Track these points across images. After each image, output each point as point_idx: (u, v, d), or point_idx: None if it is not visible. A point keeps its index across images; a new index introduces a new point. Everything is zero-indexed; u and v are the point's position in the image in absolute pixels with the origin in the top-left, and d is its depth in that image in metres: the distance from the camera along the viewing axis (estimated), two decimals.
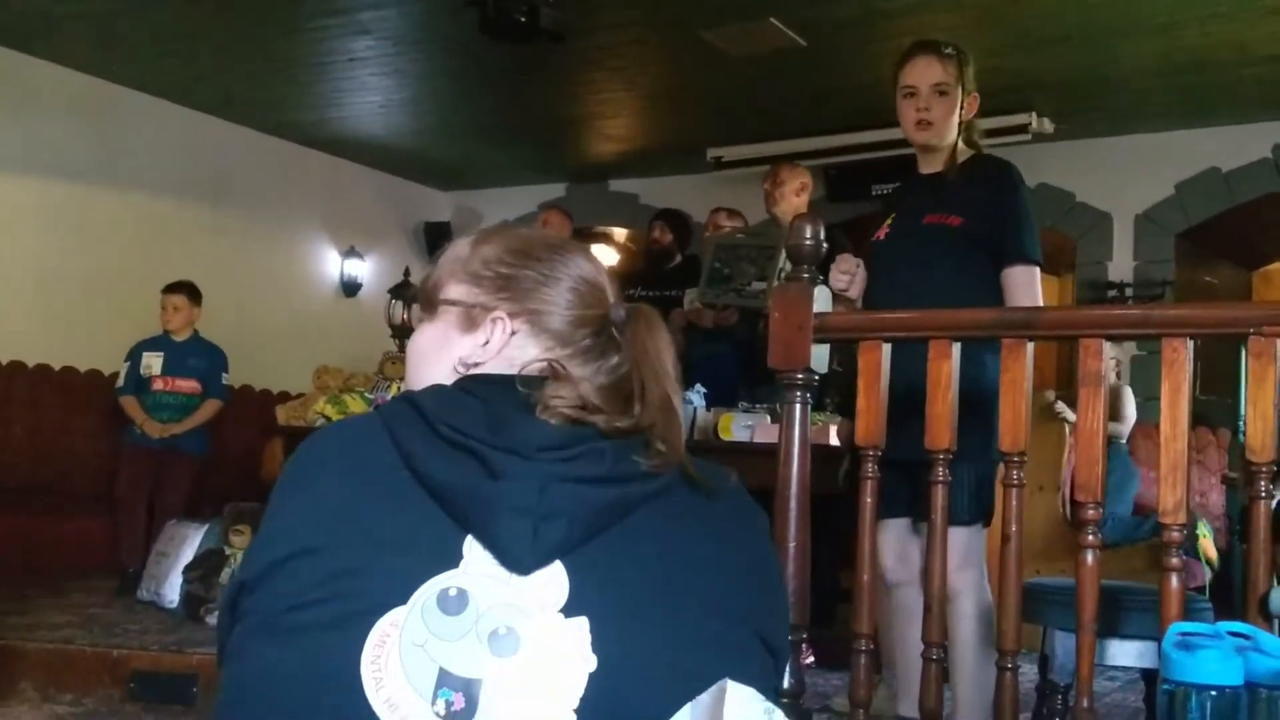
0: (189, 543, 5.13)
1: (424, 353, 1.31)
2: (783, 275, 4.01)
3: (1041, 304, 2.89)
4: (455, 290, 1.28)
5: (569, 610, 1.05)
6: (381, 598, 1.04)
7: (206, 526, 5.16)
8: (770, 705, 0.89)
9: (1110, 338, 2.04)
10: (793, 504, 2.28)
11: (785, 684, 2.22)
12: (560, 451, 1.08)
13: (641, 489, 1.11)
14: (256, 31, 5.94)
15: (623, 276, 7.74)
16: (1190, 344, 1.97)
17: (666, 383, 1.19)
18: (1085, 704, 2.01)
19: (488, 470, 1.07)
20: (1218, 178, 6.83)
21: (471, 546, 1.06)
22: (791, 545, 2.26)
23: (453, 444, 1.09)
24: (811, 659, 4.62)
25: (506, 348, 1.24)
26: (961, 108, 3.06)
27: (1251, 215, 6.86)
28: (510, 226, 1.35)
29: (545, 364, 1.20)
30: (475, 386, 1.16)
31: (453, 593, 1.05)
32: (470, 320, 1.26)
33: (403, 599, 1.04)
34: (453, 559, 1.06)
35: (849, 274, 3.10)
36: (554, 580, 1.06)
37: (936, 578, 2.18)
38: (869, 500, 2.25)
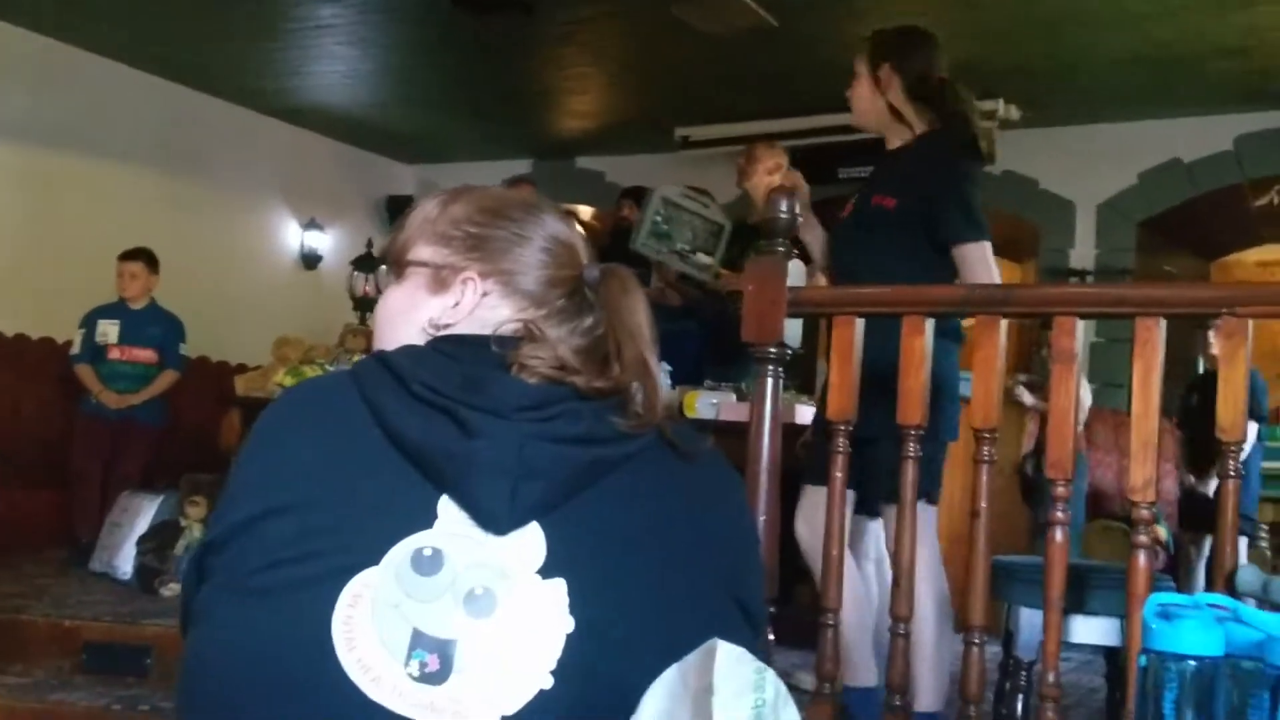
0: (143, 514, 5.06)
1: (392, 315, 1.28)
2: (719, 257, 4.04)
3: (993, 280, 2.79)
4: (424, 251, 1.26)
5: (546, 572, 1.03)
6: (354, 557, 1.02)
7: (161, 498, 5.10)
8: (761, 664, 0.88)
9: (1084, 315, 2.04)
10: (763, 478, 2.27)
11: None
12: (538, 411, 1.06)
13: (620, 450, 1.09)
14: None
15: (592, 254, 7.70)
16: (1163, 324, 1.98)
17: (642, 344, 1.17)
18: (1051, 679, 2.02)
19: (463, 429, 1.04)
20: (1180, 168, 6.89)
21: (446, 506, 1.04)
22: (762, 519, 2.26)
23: (427, 402, 1.06)
24: (771, 636, 4.62)
25: (478, 309, 1.22)
26: (879, 87, 3.06)
27: (1212, 206, 6.93)
28: (479, 186, 1.31)
29: (520, 324, 1.17)
30: (449, 346, 1.14)
31: (428, 553, 1.03)
32: (440, 281, 1.24)
33: (375, 559, 1.02)
34: (427, 519, 1.04)
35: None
36: (531, 541, 1.04)
37: (906, 553, 2.18)
38: (839, 475, 2.24)
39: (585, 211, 8.91)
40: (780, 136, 7.10)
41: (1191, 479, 5.24)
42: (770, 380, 2.29)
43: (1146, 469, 1.96)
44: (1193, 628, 1.13)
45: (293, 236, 8.31)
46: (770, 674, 0.87)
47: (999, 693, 2.65)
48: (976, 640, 2.09)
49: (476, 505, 1.03)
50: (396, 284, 1.29)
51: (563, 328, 1.19)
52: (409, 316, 1.24)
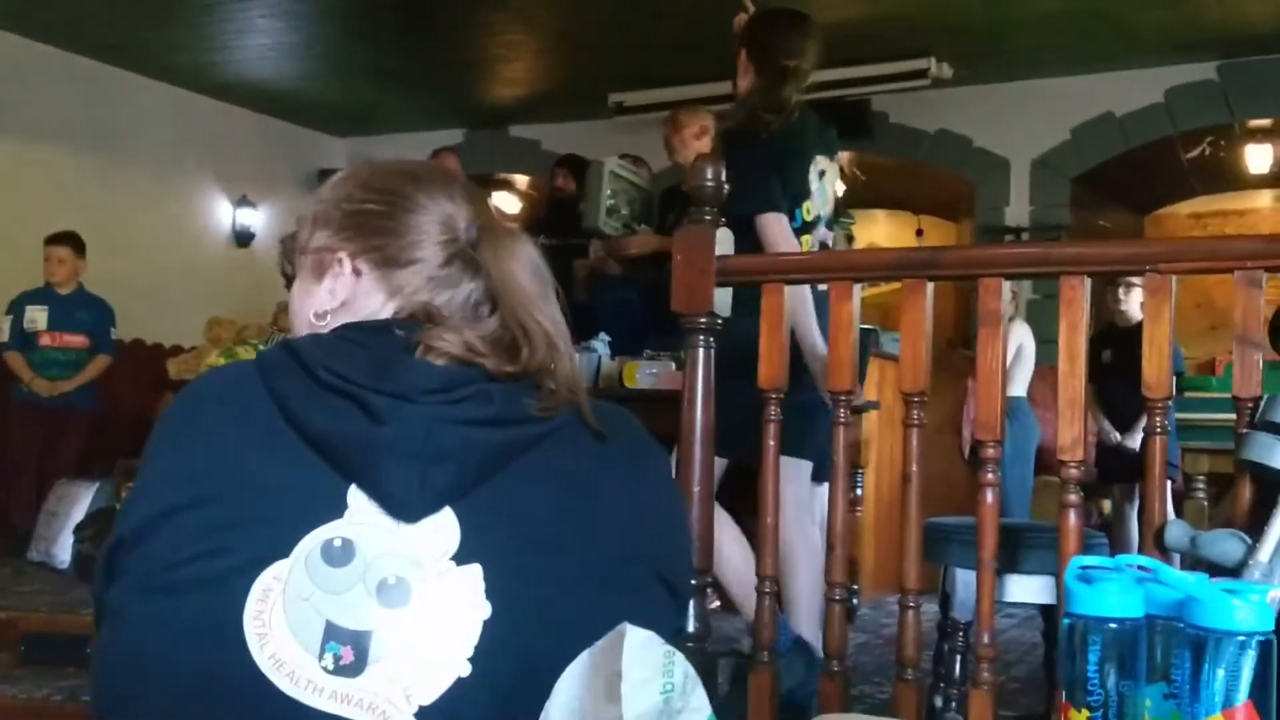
0: (80, 502, 4.99)
1: (294, 310, 1.26)
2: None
3: (784, 248, 2.86)
4: (314, 237, 1.22)
5: (461, 557, 1.02)
6: (263, 551, 1.00)
7: (97, 485, 5.02)
8: (670, 648, 0.86)
9: (1010, 276, 2.04)
10: (697, 449, 2.26)
11: (690, 628, 2.21)
12: (446, 394, 1.04)
13: (533, 430, 1.07)
14: None
15: (526, 225, 7.65)
16: (1087, 282, 1.98)
17: (533, 308, 1.12)
18: (986, 639, 2.03)
19: (370, 416, 1.02)
20: (1112, 123, 6.95)
21: (356, 495, 1.02)
22: (696, 490, 2.24)
23: (334, 389, 1.04)
24: (716, 603, 4.65)
25: (355, 295, 1.18)
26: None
27: (1144, 160, 7.01)
28: (375, 161, 1.27)
29: (420, 306, 1.14)
30: (354, 333, 1.11)
31: (338, 544, 1.01)
32: (320, 266, 1.21)
33: (285, 552, 1.00)
34: (337, 509, 1.02)
35: None
36: (444, 527, 1.03)
37: (839, 518, 2.18)
38: (771, 443, 2.23)
39: (522, 181, 8.84)
40: (716, 101, 7.09)
41: (1117, 436, 5.31)
42: (702, 350, 2.27)
43: (1074, 428, 1.97)
44: (1113, 590, 1.13)
45: (224, 214, 8.17)
46: (678, 657, 0.86)
47: (937, 654, 2.67)
48: (911, 604, 2.10)
49: (385, 493, 1.01)
50: (297, 276, 1.26)
51: (442, 295, 1.16)
52: (303, 309, 1.22)
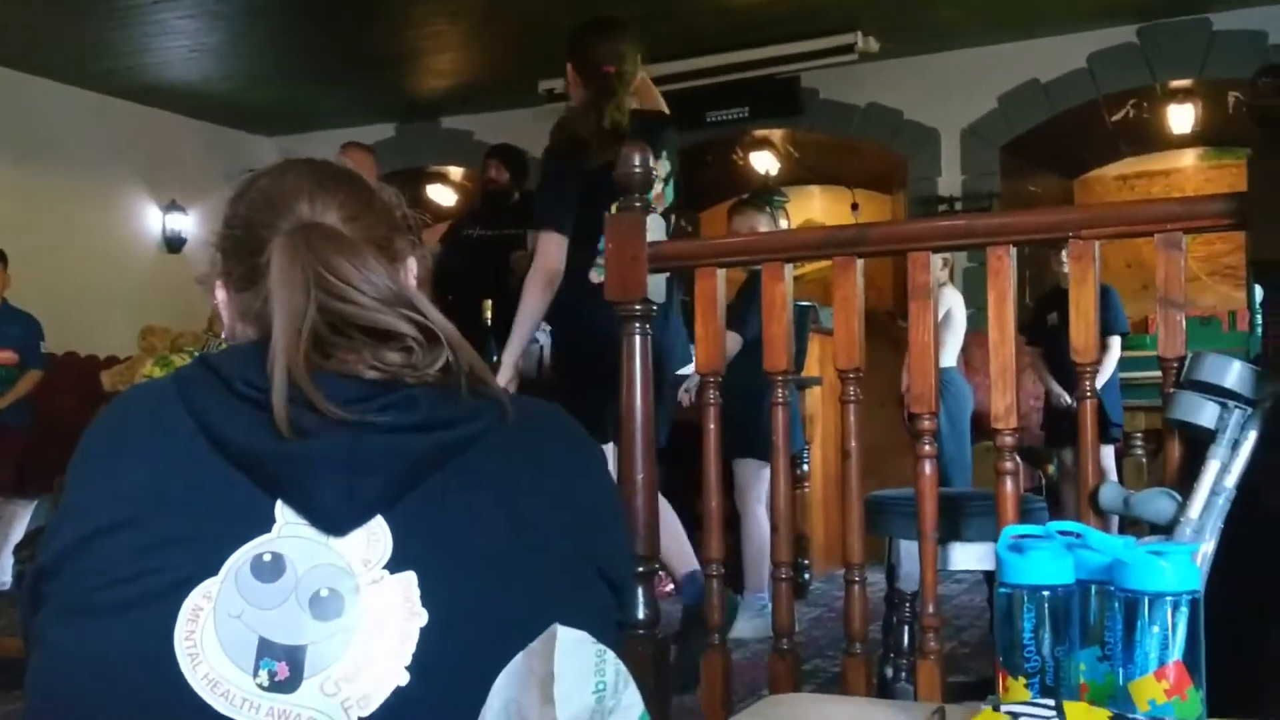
0: (19, 520, 4.91)
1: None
2: None
3: (544, 264, 3.13)
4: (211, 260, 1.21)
5: (394, 565, 1.00)
6: (190, 570, 0.99)
7: (36, 503, 4.94)
8: (601, 647, 0.86)
9: (937, 249, 2.06)
10: (638, 436, 2.26)
11: (640, 614, 2.22)
12: (369, 403, 1.02)
13: (461, 433, 1.06)
14: None
15: (461, 217, 7.59)
16: (1013, 251, 2.01)
17: (383, 311, 1.05)
18: (930, 610, 2.06)
19: (293, 428, 1.00)
20: (1038, 89, 7.03)
21: (284, 509, 1.01)
22: (639, 477, 2.25)
23: (253, 402, 1.02)
24: (671, 586, 4.67)
25: (236, 319, 1.17)
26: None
27: (1071, 124, 7.10)
28: (255, 172, 1.23)
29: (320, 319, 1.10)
30: (261, 346, 1.09)
31: (267, 559, 0.99)
32: (214, 290, 1.20)
33: (214, 569, 0.99)
34: (265, 523, 1.00)
35: None
36: (376, 536, 1.01)
37: (781, 499, 2.20)
38: (711, 427, 2.24)
39: (456, 173, 8.78)
40: None
41: (1067, 399, 5.37)
42: (638, 338, 2.27)
43: (1007, 396, 2.00)
44: (1042, 558, 1.15)
45: (154, 220, 8.04)
46: (610, 655, 0.86)
47: (886, 625, 2.70)
48: (856, 578, 2.12)
49: (312, 507, 1.00)
50: None
51: (243, 298, 1.14)
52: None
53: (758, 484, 4.01)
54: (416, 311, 1.07)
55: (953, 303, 5.36)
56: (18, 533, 4.82)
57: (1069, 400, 5.38)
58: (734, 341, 4.01)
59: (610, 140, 3.09)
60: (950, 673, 2.71)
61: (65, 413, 5.91)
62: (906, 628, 2.57)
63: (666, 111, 3.72)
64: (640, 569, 2.21)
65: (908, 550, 2.46)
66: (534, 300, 3.12)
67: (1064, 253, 5.33)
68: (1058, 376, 5.42)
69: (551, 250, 3.11)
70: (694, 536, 4.64)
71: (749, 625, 3.80)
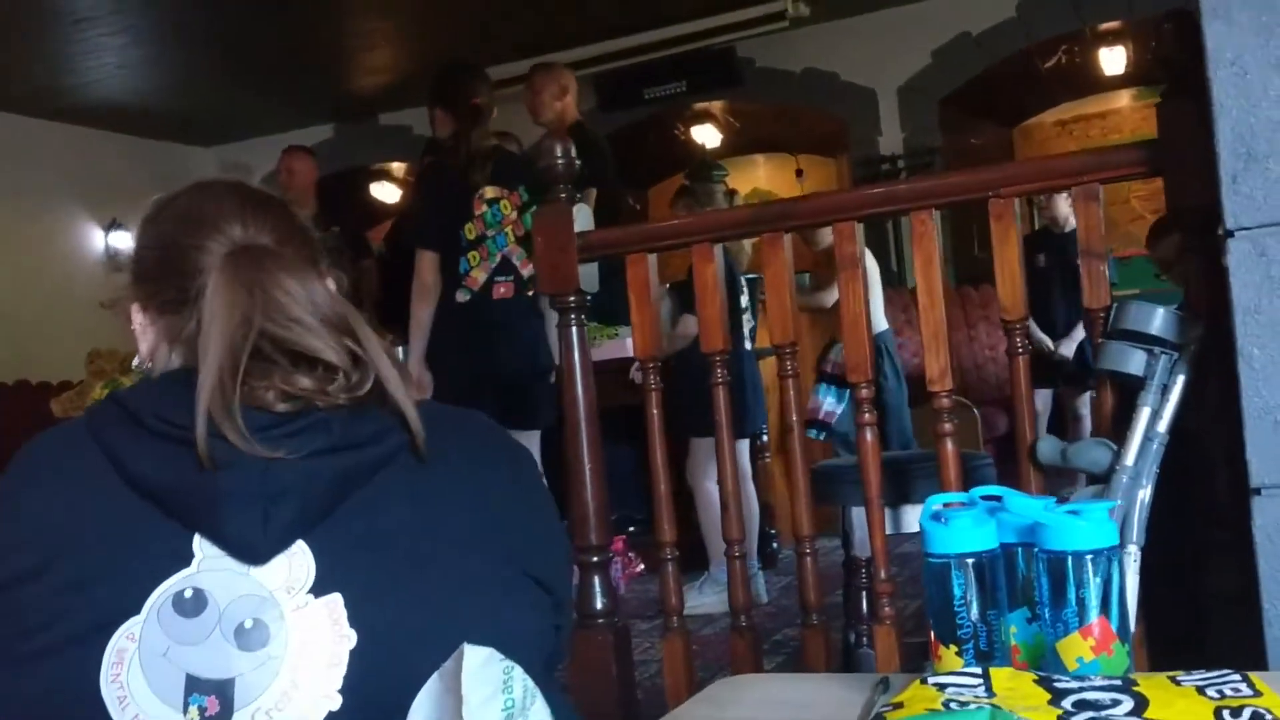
0: None
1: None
2: None
3: (421, 281, 3.53)
4: (124, 286, 1.20)
5: (319, 589, 1.00)
6: (112, 611, 0.99)
7: None
8: (510, 664, 0.87)
9: (861, 219, 2.07)
10: (582, 426, 2.27)
11: (598, 604, 2.23)
12: (281, 429, 1.02)
13: (376, 451, 1.05)
14: None
15: (404, 214, 7.54)
16: (936, 214, 2.02)
17: (320, 334, 1.04)
18: (883, 575, 2.08)
19: (204, 461, 1.00)
20: (969, 41, 7.04)
21: (202, 543, 1.00)
22: (587, 468, 2.26)
23: (165, 436, 1.01)
24: (641, 566, 4.70)
25: (154, 345, 1.16)
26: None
27: (1005, 74, 7.13)
28: (171, 193, 1.21)
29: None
30: (181, 375, 1.08)
31: (188, 594, 0.99)
32: (127, 316, 1.18)
33: (135, 609, 0.98)
34: (184, 558, 1.00)
35: None
36: (298, 561, 1.01)
37: (729, 479, 2.21)
38: (654, 412, 2.25)
39: (398, 169, 8.72)
40: (582, 65, 7.04)
41: (1050, 344, 5.37)
42: (575, 328, 2.27)
43: (941, 359, 2.01)
44: (964, 526, 1.16)
45: (96, 240, 7.94)
46: (517, 671, 0.86)
47: (845, 592, 2.72)
48: (807, 550, 2.14)
49: (227, 539, 1.00)
50: None
51: (169, 321, 1.12)
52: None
53: (709, 462, 4.04)
54: (352, 335, 1.07)
55: (866, 265, 5.34)
56: None
57: (1050, 346, 5.38)
58: (693, 323, 4.03)
59: (479, 162, 3.61)
60: (916, 633, 2.74)
61: (17, 442, 5.85)
62: (864, 593, 2.59)
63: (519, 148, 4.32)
64: (593, 559, 2.22)
65: (859, 517, 2.47)
66: (420, 314, 3.51)
67: (1042, 196, 5.30)
68: (1044, 323, 5.38)
69: (426, 266, 3.54)
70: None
71: (716, 599, 3.82)
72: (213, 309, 1.04)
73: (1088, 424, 5.24)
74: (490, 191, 3.64)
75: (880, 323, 4.70)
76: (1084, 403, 5.50)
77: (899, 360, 4.89)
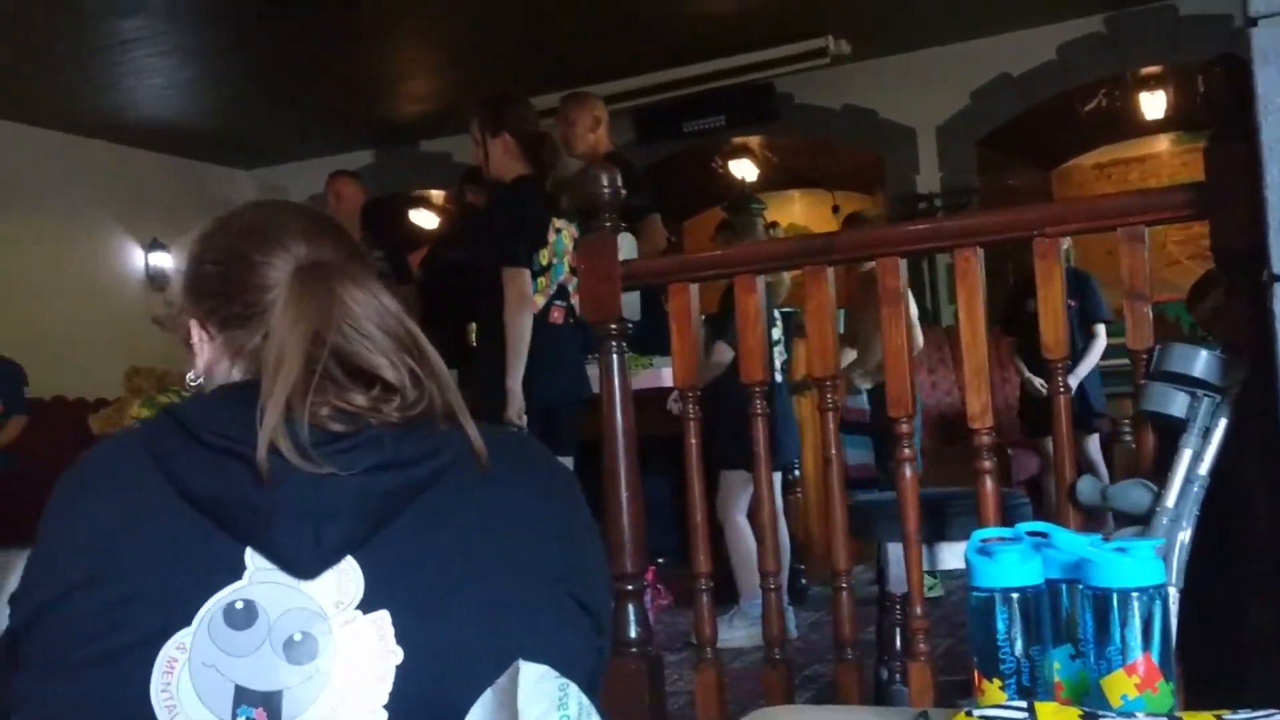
0: (12, 570, 4.82)
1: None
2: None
3: (520, 295, 3.49)
4: (178, 302, 1.21)
5: (367, 605, 1.01)
6: (163, 622, 1.00)
7: (29, 550, 4.91)
8: (565, 681, 0.87)
9: (905, 254, 2.07)
10: (620, 453, 2.27)
11: (632, 633, 2.23)
12: (334, 445, 1.03)
13: (428, 469, 1.06)
14: (12, 19, 5.56)
15: (440, 239, 7.59)
16: (980, 252, 2.02)
17: (385, 348, 1.06)
18: (919, 612, 2.07)
19: (258, 475, 1.01)
20: (1009, 83, 7.06)
21: (253, 556, 1.02)
22: (624, 496, 2.26)
23: (220, 450, 1.03)
24: (669, 599, 4.68)
25: (212, 360, 1.17)
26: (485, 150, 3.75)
27: (1044, 116, 7.13)
28: (230, 211, 1.23)
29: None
30: (237, 391, 1.09)
31: (239, 606, 1.00)
32: (185, 331, 1.20)
33: (186, 620, 0.99)
34: (235, 571, 1.01)
35: None
36: (347, 577, 1.02)
37: (766, 510, 2.21)
38: (693, 442, 2.25)
39: (437, 196, 8.79)
40: (621, 98, 7.10)
41: (1040, 388, 5.35)
42: (615, 356, 2.28)
43: (982, 396, 2.01)
44: (1010, 561, 1.16)
45: (136, 259, 8.04)
46: (573, 689, 0.87)
47: (879, 628, 2.71)
48: (843, 585, 2.13)
49: (280, 553, 1.01)
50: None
51: (232, 335, 1.14)
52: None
53: (740, 494, 4.04)
54: (416, 352, 1.08)
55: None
56: (11, 583, 4.78)
57: (1045, 390, 5.34)
58: (726, 352, 4.04)
59: (564, 191, 3.61)
60: (948, 671, 2.73)
61: (55, 457, 5.89)
62: (898, 630, 2.57)
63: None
64: (629, 586, 2.22)
65: (895, 553, 2.46)
66: (523, 329, 3.49)
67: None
68: (1035, 366, 5.36)
69: (523, 281, 3.52)
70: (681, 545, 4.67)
71: (746, 633, 3.81)
72: (283, 324, 1.06)
73: (1103, 470, 5.15)
74: (557, 222, 3.73)
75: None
76: (1094, 446, 5.42)
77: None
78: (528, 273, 3.53)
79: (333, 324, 1.05)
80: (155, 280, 8.08)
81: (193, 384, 1.19)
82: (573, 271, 3.68)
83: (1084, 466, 5.35)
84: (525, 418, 3.39)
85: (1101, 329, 5.25)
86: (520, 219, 3.63)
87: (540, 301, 3.65)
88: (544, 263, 3.67)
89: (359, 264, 1.16)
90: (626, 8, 6.08)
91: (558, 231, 3.75)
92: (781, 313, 4.56)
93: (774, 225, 5.06)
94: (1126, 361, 5.20)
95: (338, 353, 1.05)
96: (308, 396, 1.02)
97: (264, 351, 1.06)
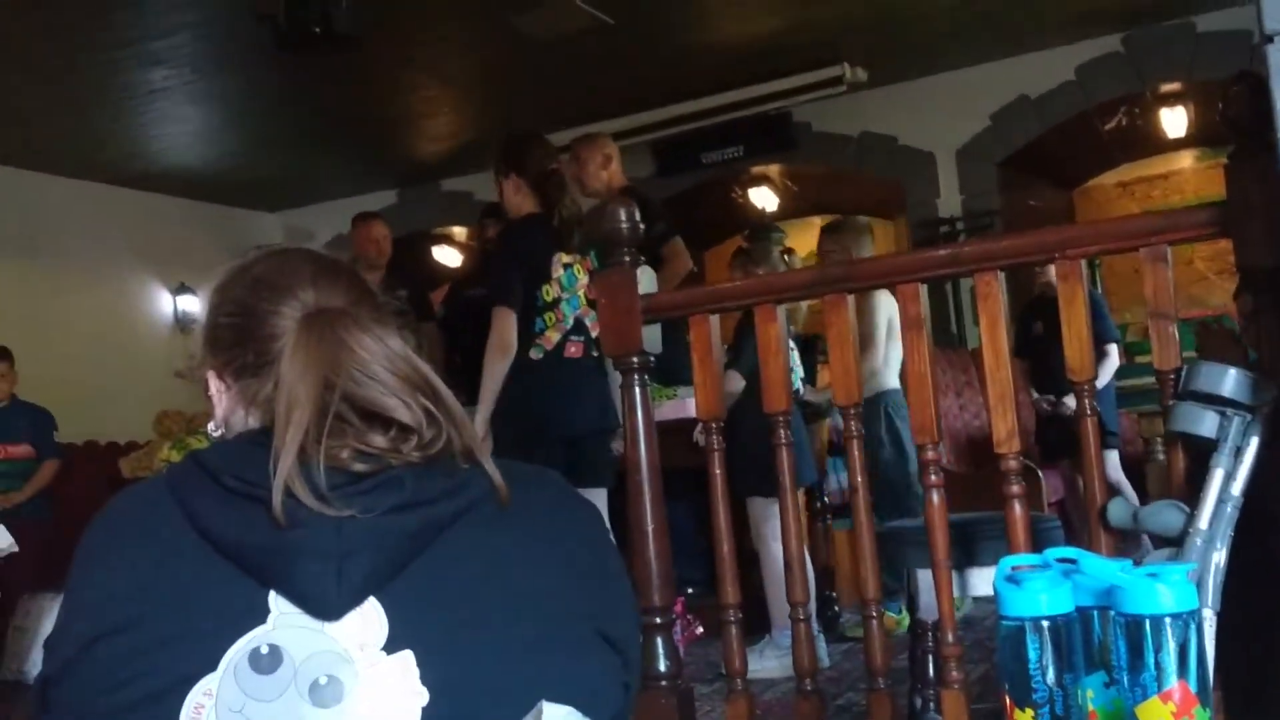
0: (48, 615, 4.91)
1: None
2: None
3: (500, 339, 3.60)
4: (199, 353, 1.22)
5: (391, 646, 1.01)
6: (190, 667, 1.00)
7: (63, 595, 4.93)
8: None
9: (925, 280, 2.07)
10: (645, 486, 2.27)
11: (661, 666, 2.22)
12: (354, 486, 1.03)
13: (449, 508, 1.06)
14: (42, 73, 5.66)
15: (461, 277, 7.62)
16: (1001, 275, 2.01)
17: (397, 389, 1.06)
18: (950, 638, 2.05)
19: (279, 519, 1.01)
20: (1028, 104, 7.05)
21: (277, 599, 1.02)
22: (650, 528, 2.25)
23: (242, 495, 1.03)
24: (700, 629, 4.65)
25: (230, 409, 1.18)
26: (500, 189, 3.88)
27: (1064, 136, 7.10)
28: (244, 259, 1.24)
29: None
30: (258, 436, 1.10)
31: (264, 650, 1.00)
32: (205, 381, 1.21)
33: (212, 665, 0.99)
34: (260, 615, 1.01)
35: None
36: (370, 618, 1.02)
37: (793, 539, 2.19)
38: (717, 472, 2.25)
39: (460, 233, 8.84)
40: (639, 131, 7.14)
41: (1046, 405, 5.30)
42: (638, 389, 2.28)
43: (1008, 420, 1.99)
44: (1040, 588, 1.15)
45: (165, 304, 8.11)
46: None
47: (911, 656, 2.68)
48: (873, 614, 2.11)
49: (303, 595, 1.01)
50: None
51: (246, 384, 1.14)
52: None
53: (771, 521, 4.01)
54: (430, 393, 1.08)
55: (892, 310, 4.41)
56: (47, 627, 4.82)
57: (1049, 404, 5.29)
58: (737, 380, 4.04)
59: (569, 229, 3.71)
60: (983, 697, 2.69)
61: (86, 501, 5.93)
62: (930, 657, 2.54)
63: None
64: (657, 620, 2.21)
65: (925, 580, 2.44)
66: (494, 370, 3.63)
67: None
68: (1045, 389, 5.31)
69: (505, 325, 3.62)
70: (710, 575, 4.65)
71: (778, 663, 3.78)
72: (292, 371, 1.07)
73: (1127, 488, 5.07)
74: (565, 257, 3.77)
75: (888, 380, 4.51)
76: (1113, 464, 5.36)
77: (903, 427, 4.47)
78: (512, 315, 3.62)
79: (341, 369, 1.06)
80: (183, 324, 8.15)
81: (214, 434, 1.20)
82: (590, 305, 3.73)
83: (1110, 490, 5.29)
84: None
85: (1114, 348, 5.21)
86: (519, 256, 3.72)
87: (554, 337, 3.69)
88: (548, 299, 3.72)
89: (368, 308, 1.17)
90: (642, 41, 6.12)
91: (566, 266, 3.79)
92: (796, 339, 4.55)
93: (790, 252, 5.05)
94: (1149, 380, 5.17)
95: (350, 397, 1.06)
96: (322, 442, 1.03)
97: (275, 399, 1.07)
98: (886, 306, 4.50)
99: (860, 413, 2.13)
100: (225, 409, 1.20)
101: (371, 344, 1.08)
